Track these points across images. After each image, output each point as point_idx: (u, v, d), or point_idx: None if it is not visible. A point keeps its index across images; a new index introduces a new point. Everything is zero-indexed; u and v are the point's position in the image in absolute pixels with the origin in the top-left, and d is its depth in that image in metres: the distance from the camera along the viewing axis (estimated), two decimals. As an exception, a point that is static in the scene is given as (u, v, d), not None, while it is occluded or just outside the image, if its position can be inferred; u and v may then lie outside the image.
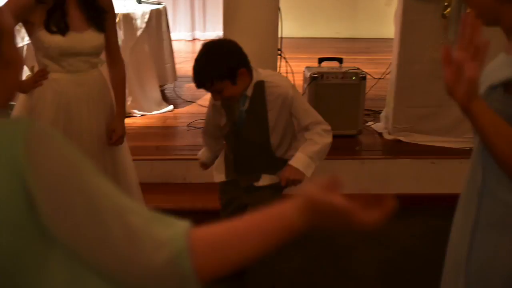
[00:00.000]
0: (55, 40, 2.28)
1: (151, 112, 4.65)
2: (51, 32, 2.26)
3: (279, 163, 2.47)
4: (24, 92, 2.41)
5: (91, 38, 2.37)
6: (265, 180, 2.49)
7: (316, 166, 2.37)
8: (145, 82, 4.65)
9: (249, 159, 2.51)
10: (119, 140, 2.58)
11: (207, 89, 2.29)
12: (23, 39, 4.15)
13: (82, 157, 0.91)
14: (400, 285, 2.90)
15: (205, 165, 2.75)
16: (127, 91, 4.51)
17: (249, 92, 2.34)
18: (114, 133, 2.58)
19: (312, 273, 2.99)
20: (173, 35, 7.99)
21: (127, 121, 4.45)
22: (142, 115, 4.62)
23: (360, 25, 7.89)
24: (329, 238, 3.34)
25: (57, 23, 2.26)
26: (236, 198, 2.60)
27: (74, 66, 2.38)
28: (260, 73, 2.37)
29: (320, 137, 2.38)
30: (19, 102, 2.51)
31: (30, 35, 2.35)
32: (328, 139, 2.42)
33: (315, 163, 2.37)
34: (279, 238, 0.90)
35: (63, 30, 2.27)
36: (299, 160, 2.36)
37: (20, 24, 2.32)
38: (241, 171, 2.55)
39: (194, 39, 8.22)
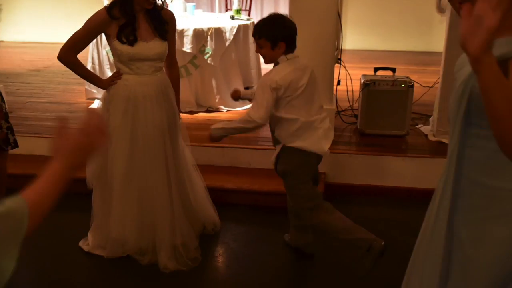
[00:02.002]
0: (125, 48, 2.47)
1: (235, 108, 4.78)
2: (122, 42, 2.45)
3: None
4: (104, 88, 2.62)
5: (156, 46, 2.52)
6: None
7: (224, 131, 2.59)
8: (231, 83, 4.79)
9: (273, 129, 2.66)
10: None
11: (255, 39, 2.47)
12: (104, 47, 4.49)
13: None
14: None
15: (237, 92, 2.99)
16: (215, 90, 4.72)
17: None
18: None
19: (341, 253, 2.94)
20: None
21: (213, 114, 4.69)
22: (227, 110, 4.76)
23: (434, 39, 7.52)
24: (362, 224, 3.27)
25: (127, 36, 2.45)
26: None
27: (141, 69, 2.55)
28: (287, 57, 2.46)
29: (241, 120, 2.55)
30: (102, 95, 2.73)
31: (109, 44, 2.56)
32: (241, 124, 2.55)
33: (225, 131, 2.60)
34: (61, 185, 1.05)
35: (131, 42, 2.46)
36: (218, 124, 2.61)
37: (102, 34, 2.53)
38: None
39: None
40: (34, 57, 7.04)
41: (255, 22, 2.59)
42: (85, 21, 2.53)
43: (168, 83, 2.70)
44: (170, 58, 2.71)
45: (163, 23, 2.56)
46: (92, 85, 4.99)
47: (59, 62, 2.54)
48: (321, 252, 2.91)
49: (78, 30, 2.54)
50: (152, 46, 2.51)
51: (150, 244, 2.77)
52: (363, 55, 6.74)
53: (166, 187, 2.73)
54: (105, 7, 2.49)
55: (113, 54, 2.57)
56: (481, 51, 1.04)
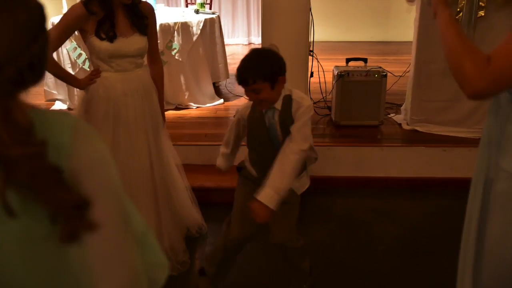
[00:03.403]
0: (104, 45, 2.31)
1: (205, 104, 4.71)
2: (101, 39, 2.31)
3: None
4: (81, 88, 2.48)
5: (136, 41, 2.39)
6: (297, 189, 2.28)
7: (283, 195, 2.02)
8: (200, 79, 4.70)
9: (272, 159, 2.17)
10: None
11: (248, 86, 2.04)
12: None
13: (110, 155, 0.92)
14: (410, 260, 2.80)
15: (221, 171, 2.53)
16: (184, 87, 4.60)
17: (278, 105, 2.11)
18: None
19: (330, 245, 2.96)
20: (231, 40, 8.13)
21: (183, 112, 4.58)
22: (197, 107, 4.68)
23: (391, 29, 7.68)
24: (346, 215, 3.30)
25: (106, 32, 2.30)
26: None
27: (121, 66, 2.41)
28: (286, 87, 2.13)
29: (292, 156, 2.05)
30: (79, 96, 2.58)
31: (85, 40, 2.39)
32: (297, 156, 2.05)
33: (281, 196, 2.01)
34: None
35: (111, 38, 2.31)
36: (267, 195, 2.00)
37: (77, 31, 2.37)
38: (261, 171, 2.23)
39: (249, 43, 8.24)
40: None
41: (242, 64, 2.07)
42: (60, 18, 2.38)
43: (150, 80, 2.57)
44: (152, 54, 2.59)
45: (143, 18, 2.43)
46: (51, 86, 4.78)
47: None
48: (310, 246, 2.90)
49: (53, 27, 2.37)
50: (132, 42, 2.38)
51: (137, 250, 2.67)
52: (327, 46, 6.77)
53: (151, 188, 2.62)
54: (81, 1, 2.33)
55: (90, 52, 2.41)
56: (439, 5, 1.39)
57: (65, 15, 2.35)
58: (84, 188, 0.82)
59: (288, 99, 2.10)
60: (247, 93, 2.08)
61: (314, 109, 4.23)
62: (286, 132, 2.11)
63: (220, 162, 2.49)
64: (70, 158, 0.81)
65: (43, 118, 0.82)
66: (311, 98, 4.14)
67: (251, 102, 2.15)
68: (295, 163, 2.03)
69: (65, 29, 2.33)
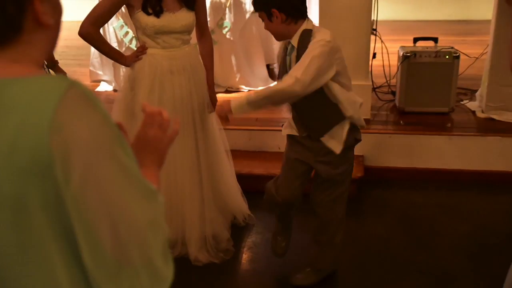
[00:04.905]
0: (151, 20, 2.50)
1: (257, 87, 4.80)
2: (147, 14, 2.50)
3: (333, 110, 2.30)
4: (127, 65, 2.68)
5: (183, 17, 2.56)
6: (332, 144, 2.35)
7: (252, 108, 2.24)
8: (252, 61, 4.86)
9: (302, 109, 2.36)
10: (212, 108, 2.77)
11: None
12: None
13: (117, 132, 0.85)
14: (478, 260, 2.83)
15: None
16: (235, 68, 4.78)
17: (294, 41, 2.25)
18: (211, 103, 2.77)
19: (387, 240, 3.03)
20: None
21: (234, 95, 4.73)
22: (249, 90, 4.80)
23: (472, 6, 7.52)
24: (406, 209, 3.36)
25: (153, 6, 2.49)
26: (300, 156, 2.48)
27: (168, 43, 2.59)
28: (312, 24, 2.27)
29: (281, 82, 2.19)
30: (124, 73, 2.78)
31: (131, 16, 2.58)
32: (284, 85, 2.15)
33: (250, 106, 2.22)
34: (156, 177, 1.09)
35: (157, 12, 2.49)
36: (236, 99, 2.29)
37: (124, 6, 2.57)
38: (297, 120, 2.43)
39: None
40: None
41: None
42: None
43: (198, 58, 2.74)
44: (201, 29, 2.75)
45: None
46: (97, 66, 5.08)
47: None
48: (364, 239, 2.99)
49: (100, 3, 2.59)
50: (179, 17, 2.54)
51: (180, 236, 2.85)
52: (395, 25, 6.76)
53: (196, 173, 2.79)
54: None
55: (136, 27, 2.60)
56: None
57: None
58: (71, 173, 0.78)
59: (307, 34, 2.23)
60: None
61: (376, 93, 4.30)
62: None
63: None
64: (50, 136, 0.76)
65: (21, 88, 0.79)
66: (372, 82, 4.21)
67: None
68: (281, 86, 2.16)
69: (113, 4, 2.53)
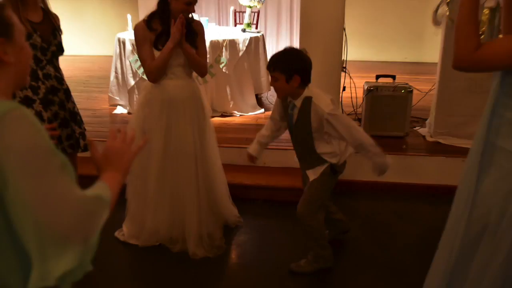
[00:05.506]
0: None
1: (247, 113, 4.91)
2: (158, 49, 2.58)
3: (319, 158, 2.50)
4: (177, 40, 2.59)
5: None
6: (310, 175, 2.54)
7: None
8: (244, 91, 4.92)
9: (299, 150, 2.58)
10: None
11: (270, 71, 2.36)
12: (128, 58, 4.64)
13: (50, 146, 0.91)
14: (426, 256, 2.86)
15: (252, 158, 2.74)
16: (229, 96, 4.84)
17: (298, 103, 2.38)
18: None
19: (353, 240, 3.06)
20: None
21: (228, 119, 4.81)
22: (240, 115, 4.88)
23: (424, 51, 7.70)
24: (369, 215, 3.41)
25: (163, 43, 2.57)
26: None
27: (175, 74, 2.67)
28: (311, 90, 2.38)
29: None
30: (137, 100, 2.82)
31: None
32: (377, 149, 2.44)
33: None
34: (116, 189, 1.15)
35: None
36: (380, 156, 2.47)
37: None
38: (298, 156, 2.62)
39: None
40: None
41: (275, 53, 2.40)
42: (135, 43, 2.67)
43: (198, 88, 2.81)
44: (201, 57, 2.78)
45: (194, 34, 2.68)
46: (114, 92, 5.12)
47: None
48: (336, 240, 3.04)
49: (141, 51, 2.63)
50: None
51: (180, 234, 2.88)
52: (361, 65, 6.89)
53: (195, 183, 2.83)
54: (143, 20, 2.62)
55: None
56: None
57: (136, 37, 2.64)
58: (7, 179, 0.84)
59: (308, 101, 2.35)
60: (270, 77, 2.38)
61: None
62: (303, 128, 2.38)
63: (251, 148, 2.74)
64: None
65: None
66: (343, 110, 4.30)
67: None
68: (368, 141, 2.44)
69: (146, 44, 2.61)
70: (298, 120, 2.43)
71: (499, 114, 1.50)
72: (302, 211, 2.57)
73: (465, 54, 1.40)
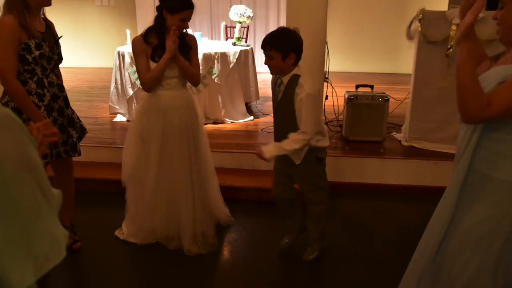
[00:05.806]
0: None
1: (238, 120, 4.88)
2: (155, 61, 2.56)
3: None
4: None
5: None
6: (294, 158, 2.43)
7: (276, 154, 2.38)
8: (234, 99, 4.90)
9: (281, 129, 2.42)
10: None
11: (265, 51, 2.26)
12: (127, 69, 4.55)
13: (32, 146, 0.86)
14: (402, 250, 2.87)
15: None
16: (221, 105, 4.82)
17: (285, 80, 2.29)
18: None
19: (335, 236, 3.06)
20: (264, 69, 8.26)
21: (220, 125, 4.79)
22: (231, 122, 4.86)
23: (400, 63, 7.75)
24: (350, 213, 3.41)
25: (159, 56, 2.55)
26: (280, 166, 2.60)
27: (170, 85, 2.65)
28: (300, 69, 2.31)
29: (294, 142, 2.31)
30: (136, 108, 2.79)
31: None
32: (297, 145, 2.31)
33: (278, 153, 2.37)
34: None
35: None
36: (269, 147, 2.38)
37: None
38: (276, 138, 2.47)
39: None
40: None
41: (268, 33, 2.31)
42: (133, 55, 2.65)
43: (192, 97, 2.79)
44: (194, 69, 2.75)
45: (188, 47, 2.67)
46: (114, 101, 5.08)
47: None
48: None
49: (138, 63, 2.61)
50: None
51: (176, 233, 2.85)
52: (342, 75, 6.92)
53: (190, 185, 2.81)
54: (141, 35, 2.60)
55: None
56: (461, 36, 1.37)
57: (134, 50, 2.61)
58: None
59: (295, 79, 2.29)
60: (265, 57, 2.29)
61: (328, 126, 4.39)
62: (287, 105, 2.29)
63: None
64: None
65: None
66: (325, 117, 4.31)
67: None
68: (299, 144, 2.31)
69: (144, 56, 2.59)
70: (283, 96, 2.33)
71: (483, 145, 1.46)
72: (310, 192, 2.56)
73: (479, 111, 1.34)
